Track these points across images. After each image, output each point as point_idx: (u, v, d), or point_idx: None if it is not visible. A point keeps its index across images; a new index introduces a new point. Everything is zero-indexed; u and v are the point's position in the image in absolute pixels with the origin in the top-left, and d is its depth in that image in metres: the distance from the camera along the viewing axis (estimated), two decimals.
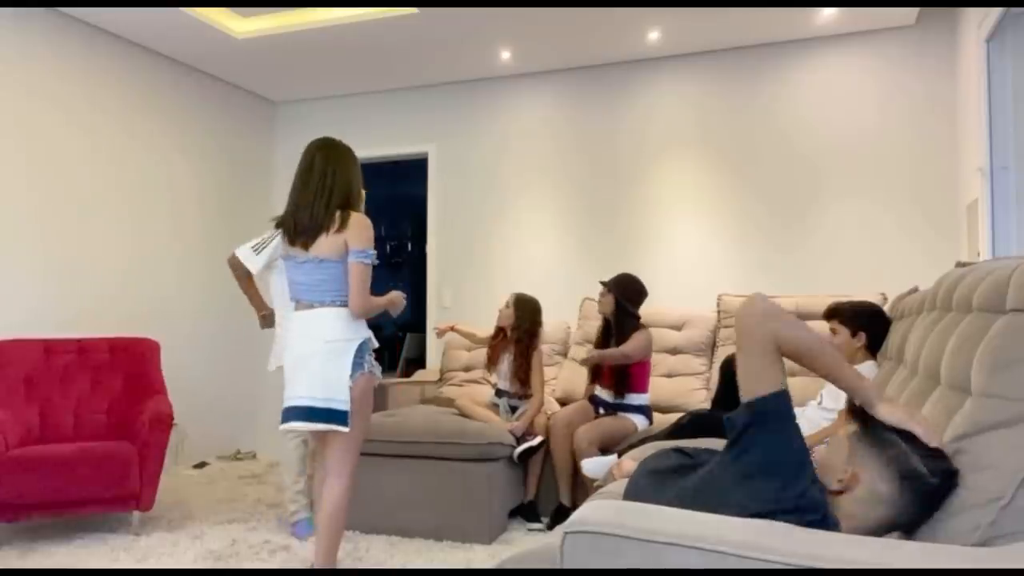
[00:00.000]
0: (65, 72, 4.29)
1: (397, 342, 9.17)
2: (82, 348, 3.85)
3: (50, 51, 4.20)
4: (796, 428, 1.28)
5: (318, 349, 2.39)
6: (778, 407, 1.27)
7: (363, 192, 2.65)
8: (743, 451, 1.29)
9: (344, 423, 2.38)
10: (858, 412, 1.34)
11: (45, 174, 4.17)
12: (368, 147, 5.67)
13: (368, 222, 2.49)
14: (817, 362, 1.34)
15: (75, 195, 4.33)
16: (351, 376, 2.40)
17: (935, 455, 1.24)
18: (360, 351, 2.44)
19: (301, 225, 2.45)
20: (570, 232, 5.12)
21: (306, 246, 2.44)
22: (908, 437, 1.27)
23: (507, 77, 5.30)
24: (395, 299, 2.64)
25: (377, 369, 2.54)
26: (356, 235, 2.43)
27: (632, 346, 3.58)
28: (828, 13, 4.23)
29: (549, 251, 5.17)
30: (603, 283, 3.72)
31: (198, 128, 5.22)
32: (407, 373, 6.46)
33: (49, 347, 3.78)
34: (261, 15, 4.51)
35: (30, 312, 4.05)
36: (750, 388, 1.30)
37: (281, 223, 2.52)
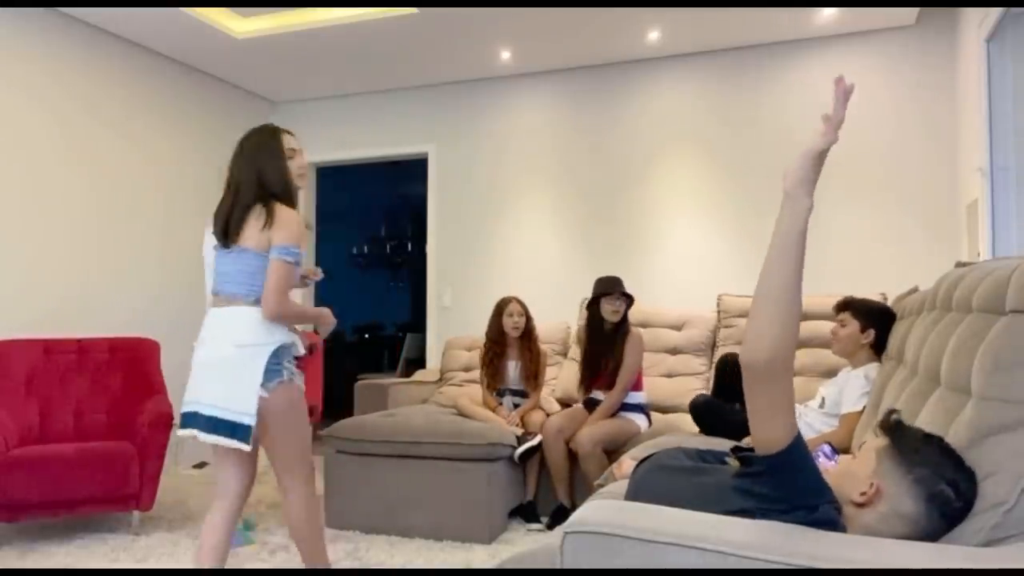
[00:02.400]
0: (64, 72, 4.29)
1: (397, 342, 9.17)
2: (82, 348, 3.85)
3: (49, 51, 4.20)
4: (812, 466, 1.23)
5: (227, 355, 2.16)
6: (792, 459, 1.21)
7: (292, 178, 2.36)
8: (755, 486, 1.26)
9: (245, 440, 2.12)
10: (890, 428, 1.30)
11: (41, 173, 4.16)
12: (368, 147, 5.67)
13: (297, 217, 2.27)
14: (780, 261, 1.18)
15: (73, 195, 4.33)
16: (265, 385, 2.14)
17: (965, 476, 1.21)
18: (276, 356, 2.18)
19: (230, 220, 2.25)
20: (570, 232, 5.12)
21: (234, 237, 2.25)
22: (941, 452, 1.24)
23: (507, 77, 5.29)
24: (324, 315, 2.40)
25: (299, 378, 2.27)
26: (280, 230, 2.20)
27: (628, 371, 3.61)
28: (828, 13, 4.23)
29: (549, 251, 5.16)
30: (615, 293, 3.63)
31: (197, 128, 5.22)
32: (407, 373, 6.46)
33: (49, 347, 3.78)
34: (261, 15, 4.50)
35: (30, 312, 4.05)
36: (762, 444, 1.22)
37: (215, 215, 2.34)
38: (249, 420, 2.12)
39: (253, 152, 2.32)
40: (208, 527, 2.30)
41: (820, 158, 1.21)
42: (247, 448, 2.15)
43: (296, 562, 3.06)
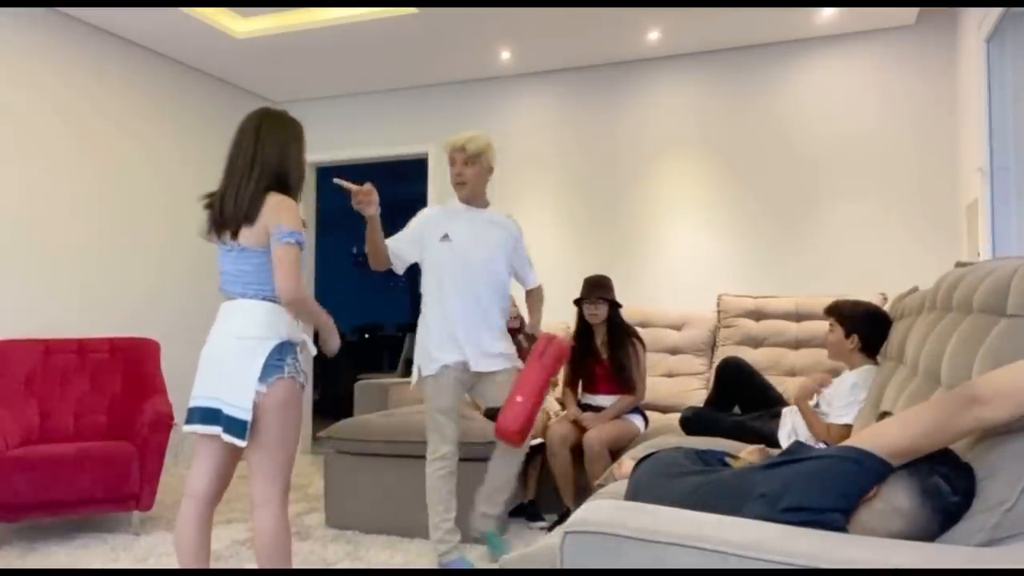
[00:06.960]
0: (64, 72, 4.29)
1: (397, 342, 9.17)
2: (82, 348, 3.85)
3: (49, 51, 4.20)
4: (861, 489, 1.24)
5: (230, 347, 2.10)
6: (868, 472, 1.23)
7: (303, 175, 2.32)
8: (797, 460, 1.28)
9: (240, 435, 2.03)
10: None
11: (41, 173, 4.16)
12: (368, 147, 5.67)
13: (292, 202, 2.18)
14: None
15: (73, 195, 4.33)
16: (264, 380, 2.05)
17: (960, 472, 1.22)
18: (280, 352, 2.09)
19: (227, 211, 2.15)
20: (570, 231, 5.12)
21: (235, 234, 2.15)
22: (937, 451, 1.25)
23: (507, 77, 5.30)
24: (332, 325, 2.27)
25: (302, 376, 2.17)
26: (276, 214, 2.11)
27: (643, 374, 3.62)
28: (828, 13, 4.23)
29: (549, 251, 5.16)
30: (591, 299, 3.58)
31: (198, 128, 5.22)
32: (407, 373, 6.46)
33: (49, 347, 3.78)
34: (261, 15, 4.51)
35: (30, 312, 4.05)
36: (882, 440, 1.24)
37: (209, 206, 2.24)
38: (244, 415, 2.03)
39: (289, 137, 2.28)
40: (181, 531, 2.15)
41: None
42: (242, 444, 2.06)
43: (296, 562, 3.06)
